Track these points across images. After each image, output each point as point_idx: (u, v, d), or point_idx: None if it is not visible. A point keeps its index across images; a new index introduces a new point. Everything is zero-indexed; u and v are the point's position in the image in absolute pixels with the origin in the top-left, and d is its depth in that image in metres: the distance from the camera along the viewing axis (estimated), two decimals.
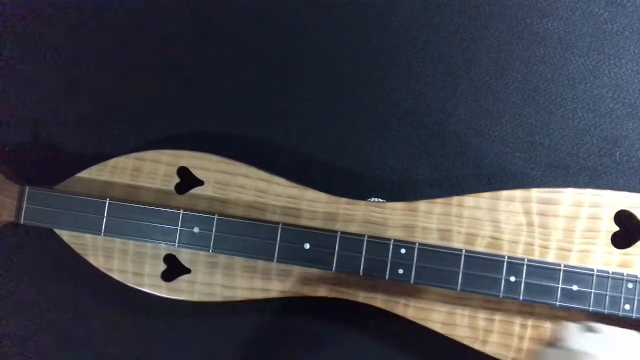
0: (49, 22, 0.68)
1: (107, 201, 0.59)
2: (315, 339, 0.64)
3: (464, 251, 0.55)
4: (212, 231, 0.58)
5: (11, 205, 0.60)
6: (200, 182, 0.61)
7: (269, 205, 0.60)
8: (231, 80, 0.66)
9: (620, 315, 0.55)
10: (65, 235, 0.62)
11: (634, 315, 0.55)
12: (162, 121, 0.67)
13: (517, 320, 0.58)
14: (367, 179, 0.64)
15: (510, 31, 0.63)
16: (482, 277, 0.55)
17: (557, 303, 0.55)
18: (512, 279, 0.55)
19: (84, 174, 0.62)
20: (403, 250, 0.56)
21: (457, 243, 0.58)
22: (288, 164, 0.65)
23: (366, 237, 0.56)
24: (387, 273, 0.56)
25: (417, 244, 0.56)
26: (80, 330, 0.67)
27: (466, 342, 0.58)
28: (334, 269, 0.56)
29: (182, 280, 0.61)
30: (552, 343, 0.53)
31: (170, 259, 0.62)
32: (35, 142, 0.68)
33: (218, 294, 0.61)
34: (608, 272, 0.55)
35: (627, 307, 0.55)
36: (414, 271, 0.56)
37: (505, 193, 0.58)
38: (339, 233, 0.56)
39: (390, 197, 0.61)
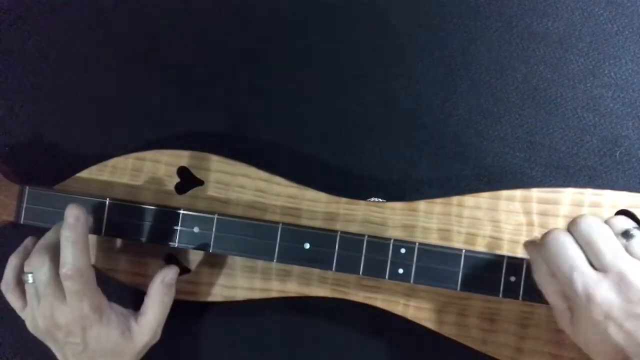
0: (49, 22, 0.68)
1: (107, 201, 0.59)
2: (315, 339, 0.64)
3: (464, 251, 0.55)
4: (212, 231, 0.58)
5: (11, 205, 0.60)
6: (200, 182, 0.61)
7: (269, 205, 0.60)
8: (231, 80, 0.66)
9: None
10: None
11: None
12: (162, 121, 0.67)
13: (517, 321, 0.58)
14: (367, 179, 0.64)
15: (510, 31, 0.63)
16: (482, 277, 0.55)
17: None
18: (512, 278, 0.55)
19: (84, 174, 0.62)
20: (403, 250, 0.56)
21: (457, 243, 0.58)
22: (288, 164, 0.65)
23: (366, 236, 0.56)
24: (387, 273, 0.56)
25: (417, 243, 0.56)
26: None
27: (466, 342, 0.58)
28: (334, 269, 0.56)
29: (182, 280, 0.61)
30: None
31: (170, 259, 0.62)
32: (35, 142, 0.68)
33: (218, 294, 0.61)
34: None
35: None
36: (414, 271, 0.56)
37: (505, 193, 0.58)
38: (339, 233, 0.57)
39: (390, 197, 0.61)
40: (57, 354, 0.56)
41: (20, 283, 0.56)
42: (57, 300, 0.53)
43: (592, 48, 0.62)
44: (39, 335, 0.56)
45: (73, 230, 0.53)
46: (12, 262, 0.57)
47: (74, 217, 0.54)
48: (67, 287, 0.53)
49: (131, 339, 0.55)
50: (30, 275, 0.54)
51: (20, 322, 0.57)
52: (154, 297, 0.57)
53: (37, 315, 0.54)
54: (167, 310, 0.58)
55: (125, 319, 0.56)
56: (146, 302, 0.57)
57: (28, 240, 0.58)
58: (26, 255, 0.56)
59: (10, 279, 0.56)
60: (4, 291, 0.57)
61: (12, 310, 0.57)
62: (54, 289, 0.53)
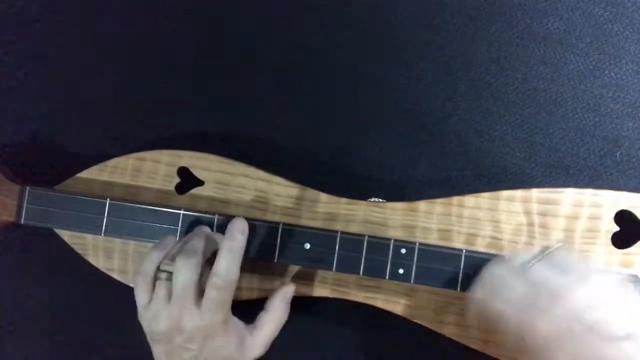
0: (48, 22, 0.68)
1: (107, 201, 0.59)
2: (315, 339, 0.64)
3: (464, 251, 0.55)
4: (212, 231, 0.58)
5: (12, 205, 0.60)
6: (200, 182, 0.61)
7: (269, 205, 0.60)
8: (231, 80, 0.66)
9: None
10: (66, 235, 0.62)
11: None
12: (162, 121, 0.67)
13: None
14: (367, 179, 0.64)
15: (510, 31, 0.63)
16: None
17: None
18: None
19: (84, 174, 0.62)
20: (403, 250, 0.56)
21: (457, 243, 0.58)
22: (288, 164, 0.65)
23: (366, 237, 0.56)
24: (388, 273, 0.56)
25: (417, 244, 0.56)
26: (80, 330, 0.67)
27: (466, 342, 0.58)
28: (334, 269, 0.56)
29: None
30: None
31: None
32: (35, 142, 0.68)
33: None
34: None
35: None
36: (414, 271, 0.56)
37: (505, 193, 0.58)
38: (339, 233, 0.57)
39: (390, 197, 0.61)
40: (161, 356, 0.54)
41: (154, 278, 0.54)
42: (190, 305, 0.52)
43: (592, 48, 0.62)
44: (153, 335, 0.54)
45: (236, 242, 0.54)
46: (154, 256, 0.54)
47: (240, 231, 0.55)
48: (211, 296, 0.52)
49: (244, 353, 0.55)
50: (166, 274, 0.53)
51: None
52: (273, 314, 0.56)
53: (161, 315, 0.53)
54: (281, 327, 0.57)
55: (242, 331, 0.55)
56: (264, 317, 0.56)
57: (170, 238, 0.57)
58: (166, 252, 0.54)
59: (148, 273, 0.54)
60: (137, 282, 0.54)
61: None
62: (191, 293, 0.52)
